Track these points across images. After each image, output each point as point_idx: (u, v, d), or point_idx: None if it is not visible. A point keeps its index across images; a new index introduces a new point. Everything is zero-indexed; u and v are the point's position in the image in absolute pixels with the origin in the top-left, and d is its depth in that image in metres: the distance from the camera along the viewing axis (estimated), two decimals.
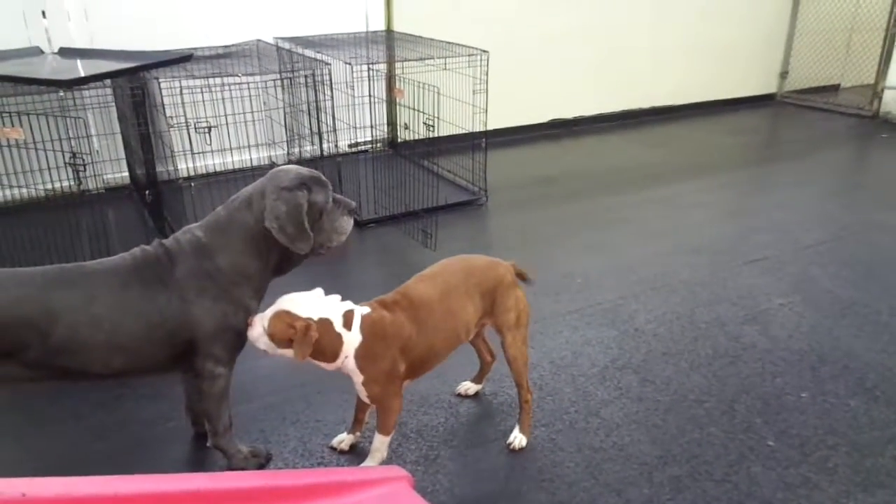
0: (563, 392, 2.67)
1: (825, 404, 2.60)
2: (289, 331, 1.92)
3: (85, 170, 3.06)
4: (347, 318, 2.00)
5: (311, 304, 1.98)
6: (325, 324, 1.96)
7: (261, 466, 2.26)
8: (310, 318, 1.94)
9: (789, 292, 3.41)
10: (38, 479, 1.19)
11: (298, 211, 1.98)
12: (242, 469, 2.21)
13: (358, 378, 2.04)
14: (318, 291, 2.05)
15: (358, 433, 2.37)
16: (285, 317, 1.93)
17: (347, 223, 2.15)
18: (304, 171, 2.08)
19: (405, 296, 2.12)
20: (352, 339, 2.00)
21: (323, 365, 2.03)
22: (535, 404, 2.47)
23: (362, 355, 2.01)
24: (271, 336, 1.94)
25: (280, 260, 2.08)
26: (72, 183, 3.13)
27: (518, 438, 2.37)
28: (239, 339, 2.06)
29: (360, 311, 2.04)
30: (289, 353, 1.96)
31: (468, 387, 2.64)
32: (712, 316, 3.21)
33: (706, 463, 2.31)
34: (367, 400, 2.12)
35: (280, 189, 1.99)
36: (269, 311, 1.97)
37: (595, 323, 3.15)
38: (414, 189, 4.17)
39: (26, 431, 2.49)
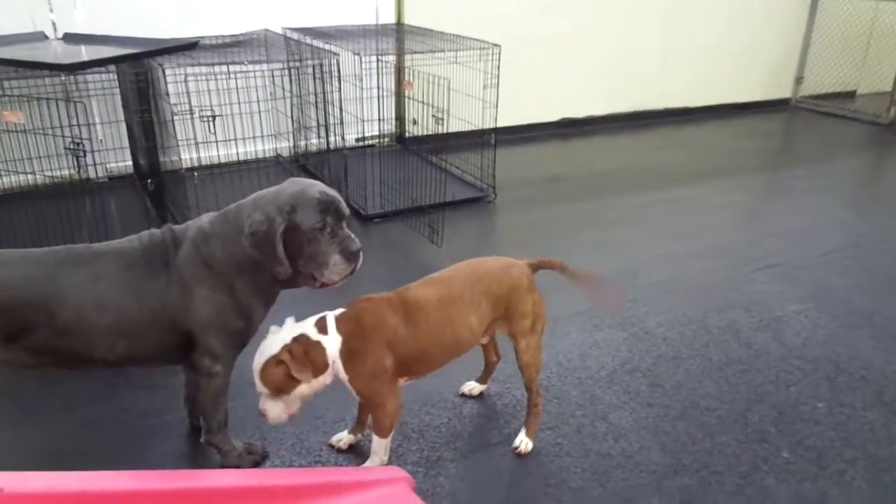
0: (570, 395, 2.59)
1: (842, 416, 2.51)
2: (278, 368, 1.88)
3: (85, 157, 3.00)
4: (321, 325, 1.97)
5: (276, 338, 1.94)
6: (302, 338, 1.93)
7: (256, 464, 2.20)
8: (283, 345, 1.90)
9: (804, 299, 3.32)
10: (22, 473, 1.14)
11: (270, 236, 1.87)
12: (237, 467, 2.15)
13: (345, 378, 1.99)
14: (289, 320, 2.01)
15: (360, 434, 2.30)
16: (267, 365, 1.90)
17: (341, 263, 1.93)
18: (314, 190, 1.92)
19: (400, 294, 2.08)
20: (331, 342, 1.96)
21: (327, 380, 1.98)
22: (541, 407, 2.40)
23: (345, 353, 1.97)
24: (274, 389, 1.91)
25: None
26: (72, 170, 3.08)
27: (525, 442, 2.29)
28: (237, 337, 2.01)
29: (332, 314, 2.01)
30: (306, 389, 1.93)
31: (472, 387, 2.57)
32: (725, 321, 3.12)
33: (717, 473, 2.23)
34: (357, 398, 2.08)
35: (268, 205, 1.90)
36: (259, 387, 1.93)
37: (604, 325, 3.07)
38: (421, 184, 4.09)
39: (19, 420, 2.42)
